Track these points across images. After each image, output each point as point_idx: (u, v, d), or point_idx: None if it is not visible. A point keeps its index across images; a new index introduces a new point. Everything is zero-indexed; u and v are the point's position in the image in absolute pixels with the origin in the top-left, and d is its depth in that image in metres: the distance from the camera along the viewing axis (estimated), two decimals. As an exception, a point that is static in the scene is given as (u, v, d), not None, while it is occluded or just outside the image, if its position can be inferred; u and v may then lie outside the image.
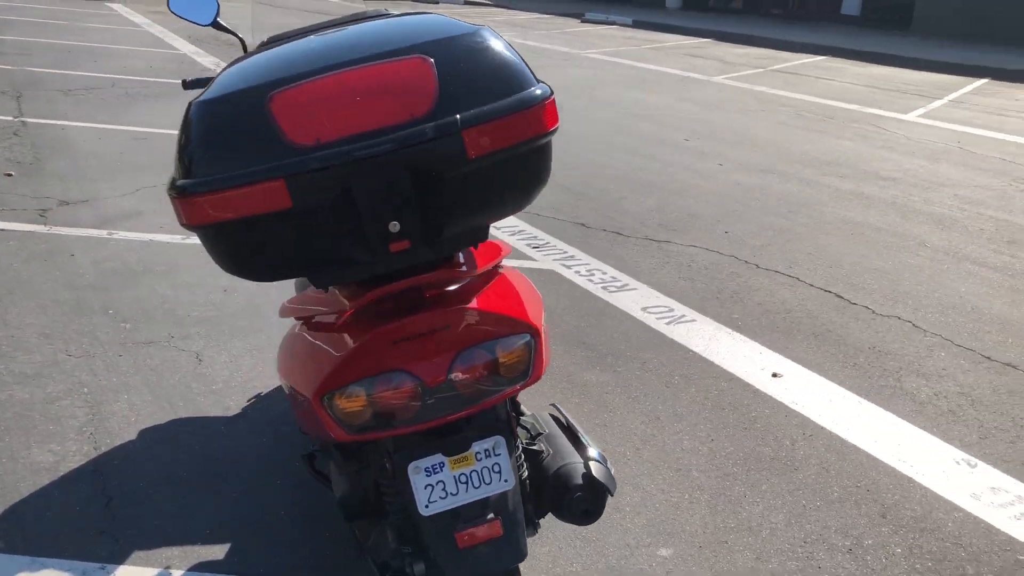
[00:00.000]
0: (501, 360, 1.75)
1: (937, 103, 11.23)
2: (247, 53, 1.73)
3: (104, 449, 2.80)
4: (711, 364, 3.60)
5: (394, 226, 1.49)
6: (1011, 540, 2.58)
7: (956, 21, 22.03)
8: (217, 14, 2.77)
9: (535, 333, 1.79)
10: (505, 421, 1.85)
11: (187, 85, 2.67)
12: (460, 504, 1.77)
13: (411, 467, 1.75)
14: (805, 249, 5.12)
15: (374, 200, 1.44)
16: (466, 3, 24.99)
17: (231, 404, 3.11)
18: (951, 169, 7.36)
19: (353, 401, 1.70)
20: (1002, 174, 7.25)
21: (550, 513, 1.96)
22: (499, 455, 1.79)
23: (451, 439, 1.75)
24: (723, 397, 3.34)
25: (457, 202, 1.51)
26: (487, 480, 1.79)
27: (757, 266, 4.81)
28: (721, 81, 12.29)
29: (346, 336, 1.73)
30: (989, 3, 21.58)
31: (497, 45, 1.52)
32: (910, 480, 2.86)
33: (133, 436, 2.88)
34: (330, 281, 1.62)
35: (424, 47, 1.48)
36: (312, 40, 1.61)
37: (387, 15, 1.74)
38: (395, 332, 1.66)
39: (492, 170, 1.49)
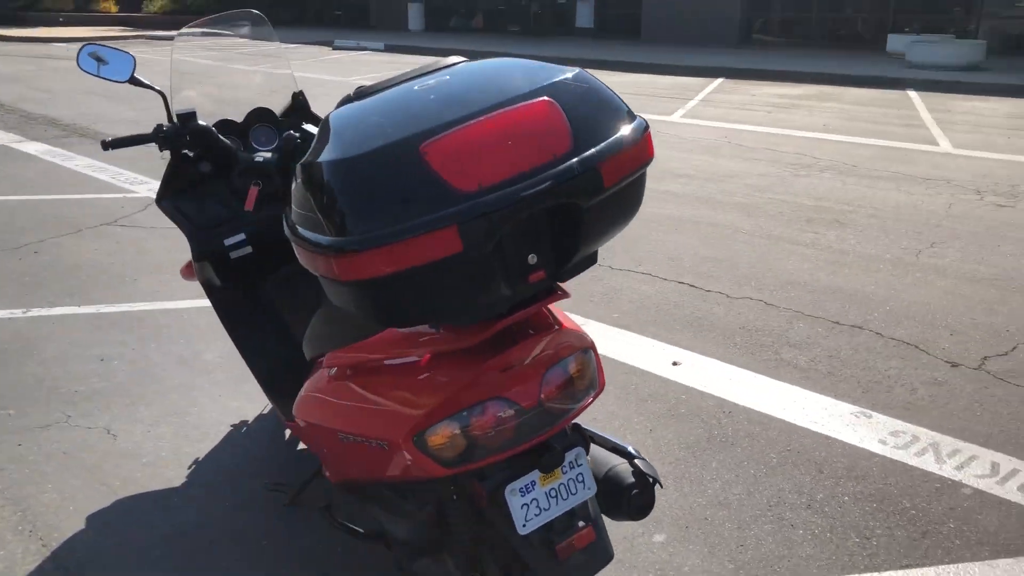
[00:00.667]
0: (574, 375, 1.84)
1: (691, 103, 12.29)
2: (344, 105, 1.69)
3: (56, 544, 2.55)
4: (616, 361, 3.82)
5: (532, 258, 1.55)
6: (926, 473, 2.98)
7: (679, 28, 24.06)
8: (134, 69, 2.62)
9: (593, 346, 1.89)
10: (577, 432, 1.93)
11: (108, 146, 2.54)
12: (552, 518, 1.83)
13: (508, 490, 1.79)
14: (645, 247, 5.50)
15: (518, 235, 1.49)
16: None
17: (172, 476, 2.92)
18: (730, 162, 8.14)
19: (447, 435, 1.73)
20: (774, 162, 8.12)
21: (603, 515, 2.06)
22: (581, 465, 1.87)
23: (545, 456, 1.81)
24: (641, 390, 3.56)
25: (587, 231, 1.59)
26: (573, 491, 1.87)
27: (611, 267, 5.11)
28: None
29: (432, 374, 1.75)
30: (707, 11, 23.75)
31: (597, 83, 1.63)
32: (827, 437, 3.21)
33: (82, 524, 2.64)
34: (471, 320, 1.64)
35: (545, 90, 1.55)
36: (420, 90, 1.62)
37: (466, 61, 1.78)
38: (503, 362, 1.70)
39: (614, 198, 1.58)
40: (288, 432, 3.24)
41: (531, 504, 1.82)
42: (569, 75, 1.60)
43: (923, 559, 2.55)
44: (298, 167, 1.59)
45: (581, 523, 1.88)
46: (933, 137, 9.47)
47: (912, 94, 13.48)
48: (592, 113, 1.56)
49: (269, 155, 2.83)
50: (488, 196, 1.43)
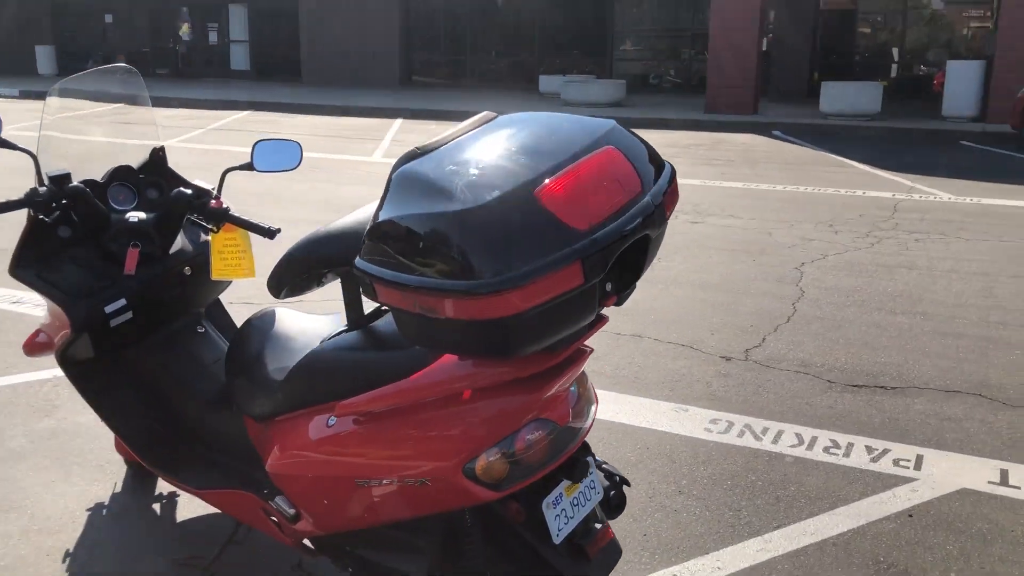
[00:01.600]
0: (581, 393, 2.00)
1: (385, 143, 12.65)
2: (412, 160, 1.71)
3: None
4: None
5: (608, 286, 1.69)
6: (753, 450, 3.47)
7: (339, 70, 24.41)
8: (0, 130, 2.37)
9: None
10: (584, 443, 2.08)
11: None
12: (576, 524, 1.97)
13: (544, 503, 1.90)
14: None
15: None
16: None
17: (49, 572, 2.58)
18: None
19: (494, 460, 1.81)
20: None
21: None
22: (592, 473, 2.03)
23: (577, 468, 1.94)
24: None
25: (648, 259, 1.77)
26: (589, 497, 2.02)
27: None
28: (179, 144, 12.16)
29: (475, 404, 1.82)
30: (366, 52, 24.32)
31: (632, 133, 1.82)
32: (663, 432, 3.61)
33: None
34: (564, 346, 1.73)
35: (605, 139, 1.71)
36: (493, 143, 1.70)
37: (503, 115, 1.87)
38: (552, 386, 1.81)
39: (663, 230, 1.78)
40: (163, 503, 2.99)
41: (561, 514, 1.95)
42: (610, 126, 1.79)
43: (786, 518, 3.00)
44: (390, 221, 1.65)
45: (598, 525, 2.04)
46: (613, 166, 10.63)
47: (574, 129, 14.93)
48: (641, 157, 1.76)
49: (143, 215, 2.67)
50: (599, 233, 1.58)
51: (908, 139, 13.96)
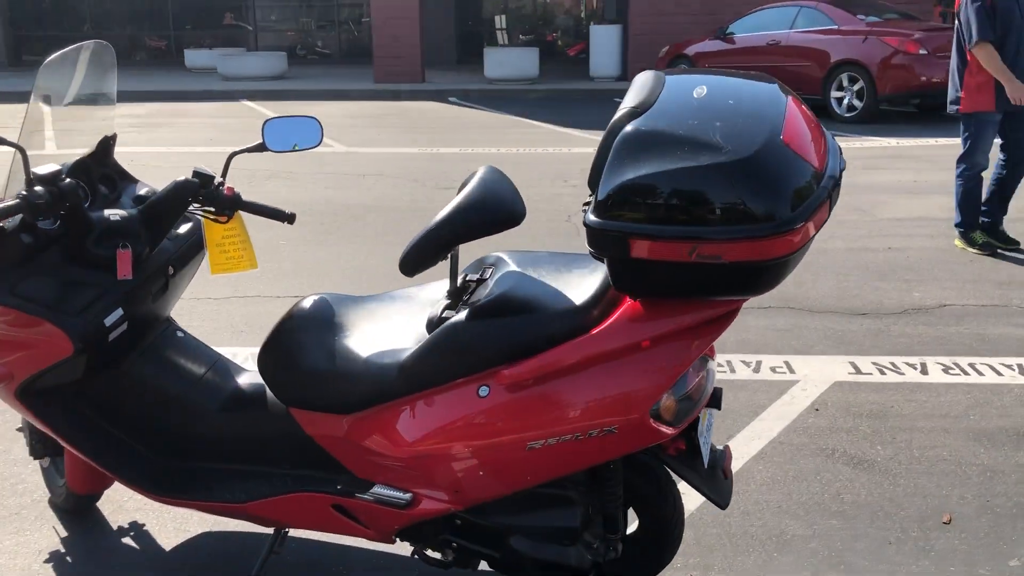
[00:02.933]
0: None
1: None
2: (634, 120, 1.72)
3: None
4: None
5: None
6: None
7: None
8: None
9: None
10: None
11: None
12: (707, 449, 2.17)
13: (698, 432, 2.08)
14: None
15: None
16: None
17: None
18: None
19: (673, 400, 1.95)
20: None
21: None
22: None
23: (716, 396, 2.12)
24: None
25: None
26: (711, 423, 2.22)
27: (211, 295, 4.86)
28: None
29: (653, 350, 1.90)
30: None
31: None
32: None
33: None
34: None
35: (780, 88, 1.86)
36: (703, 98, 1.78)
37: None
38: (720, 329, 1.95)
39: None
40: (132, 534, 2.62)
41: (704, 442, 2.13)
42: (770, 78, 1.95)
43: (732, 429, 3.39)
44: (645, 178, 1.71)
45: (720, 447, 2.25)
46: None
47: (250, 103, 14.37)
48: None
49: (125, 212, 2.35)
50: (827, 171, 1.76)
51: (569, 99, 15.26)
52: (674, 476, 2.16)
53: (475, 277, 2.21)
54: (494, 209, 2.00)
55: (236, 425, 2.46)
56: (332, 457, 2.32)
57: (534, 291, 2.04)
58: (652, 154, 1.71)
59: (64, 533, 2.69)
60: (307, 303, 2.35)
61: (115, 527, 2.75)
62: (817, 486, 3.00)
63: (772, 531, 2.75)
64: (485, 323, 2.03)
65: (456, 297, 2.19)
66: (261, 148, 2.43)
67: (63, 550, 2.61)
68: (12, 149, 2.21)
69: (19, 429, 2.85)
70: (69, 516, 2.80)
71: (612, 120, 1.80)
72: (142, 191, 2.60)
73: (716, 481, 2.18)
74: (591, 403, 1.94)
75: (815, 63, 11.51)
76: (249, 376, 2.58)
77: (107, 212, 2.34)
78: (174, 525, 2.77)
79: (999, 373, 3.87)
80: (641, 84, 1.89)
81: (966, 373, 3.88)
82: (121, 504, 2.85)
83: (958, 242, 5.85)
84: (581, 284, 2.07)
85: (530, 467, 2.03)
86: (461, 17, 22.39)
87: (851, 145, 9.58)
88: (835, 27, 11.44)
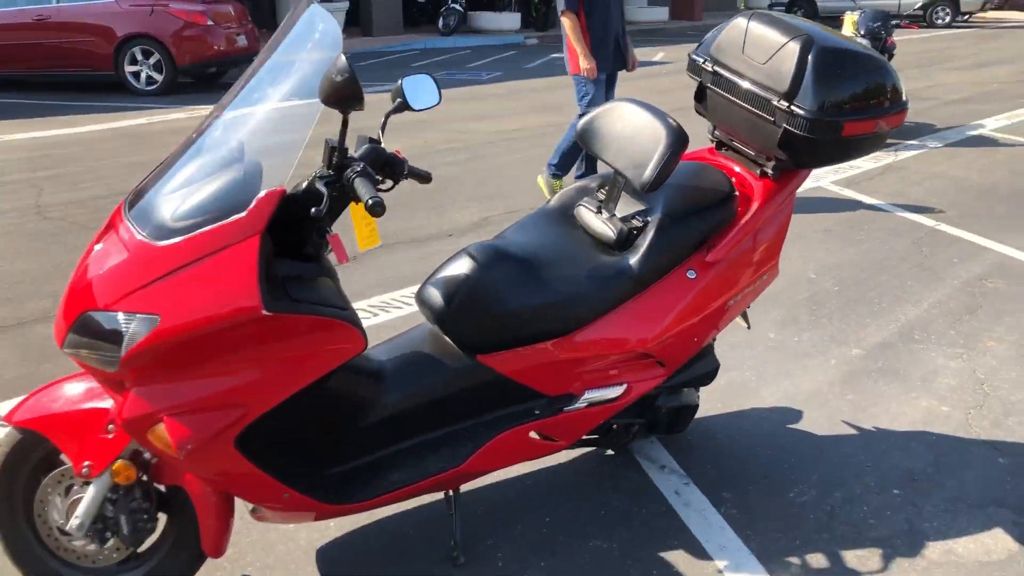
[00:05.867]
0: None
1: None
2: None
3: None
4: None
5: None
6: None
7: None
8: None
9: None
10: None
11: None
12: None
13: None
14: None
15: None
16: None
17: None
18: None
19: None
20: None
21: None
22: None
23: None
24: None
25: None
26: None
27: None
28: None
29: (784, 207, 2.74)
30: None
31: None
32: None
33: None
34: None
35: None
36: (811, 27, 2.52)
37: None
38: None
39: None
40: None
41: None
42: None
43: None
44: (850, 87, 2.44)
45: None
46: None
47: None
48: None
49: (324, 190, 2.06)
50: None
51: None
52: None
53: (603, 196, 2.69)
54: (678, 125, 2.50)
55: (412, 399, 2.41)
56: (526, 387, 2.46)
57: (694, 192, 2.60)
58: (837, 70, 2.47)
59: None
60: (477, 254, 2.40)
61: None
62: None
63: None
64: (682, 222, 2.55)
65: (609, 211, 2.61)
66: (405, 107, 2.28)
67: None
68: None
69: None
70: None
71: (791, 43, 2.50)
72: None
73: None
74: (764, 251, 2.62)
75: (101, 38, 11.04)
76: (392, 348, 2.54)
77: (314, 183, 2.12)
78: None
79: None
80: (772, 25, 2.63)
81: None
82: None
83: (540, 179, 6.14)
84: (713, 182, 2.66)
85: (725, 319, 2.62)
86: None
87: (153, 119, 9.56)
88: (113, 1, 11.14)
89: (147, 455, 2.23)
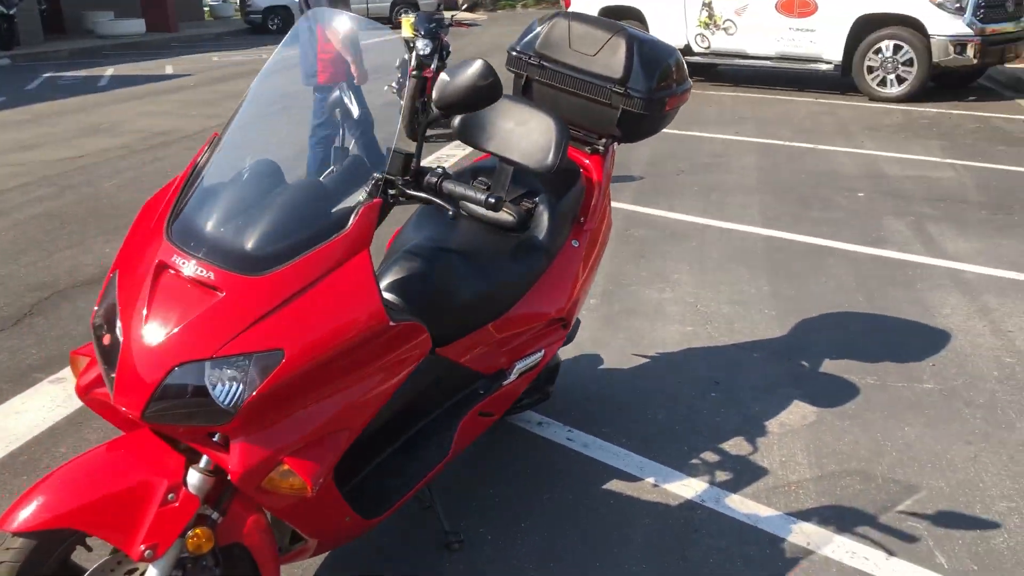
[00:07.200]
0: None
1: None
2: None
3: None
4: None
5: None
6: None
7: None
8: None
9: None
10: None
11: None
12: None
13: None
14: None
15: None
16: None
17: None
18: None
19: None
20: None
21: None
22: None
23: None
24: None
25: None
26: None
27: None
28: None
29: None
30: None
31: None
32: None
33: None
34: None
35: None
36: None
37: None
38: None
39: None
40: None
41: None
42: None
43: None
44: None
45: None
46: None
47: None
48: None
49: None
50: None
51: None
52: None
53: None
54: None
55: (392, 401, 2.38)
56: (470, 371, 2.62)
57: (561, 172, 2.89)
58: (658, 53, 2.99)
59: None
60: (422, 253, 2.47)
61: None
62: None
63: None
64: (564, 199, 2.89)
65: (487, 191, 2.82)
66: None
67: None
68: None
69: None
70: None
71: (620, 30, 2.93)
72: None
73: None
74: (606, 210, 3.12)
75: None
76: None
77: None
78: None
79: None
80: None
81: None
82: None
83: None
84: (567, 163, 3.00)
85: (595, 272, 3.06)
86: None
87: None
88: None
89: (214, 515, 1.96)
